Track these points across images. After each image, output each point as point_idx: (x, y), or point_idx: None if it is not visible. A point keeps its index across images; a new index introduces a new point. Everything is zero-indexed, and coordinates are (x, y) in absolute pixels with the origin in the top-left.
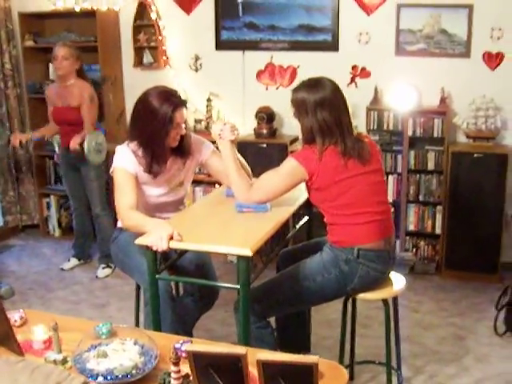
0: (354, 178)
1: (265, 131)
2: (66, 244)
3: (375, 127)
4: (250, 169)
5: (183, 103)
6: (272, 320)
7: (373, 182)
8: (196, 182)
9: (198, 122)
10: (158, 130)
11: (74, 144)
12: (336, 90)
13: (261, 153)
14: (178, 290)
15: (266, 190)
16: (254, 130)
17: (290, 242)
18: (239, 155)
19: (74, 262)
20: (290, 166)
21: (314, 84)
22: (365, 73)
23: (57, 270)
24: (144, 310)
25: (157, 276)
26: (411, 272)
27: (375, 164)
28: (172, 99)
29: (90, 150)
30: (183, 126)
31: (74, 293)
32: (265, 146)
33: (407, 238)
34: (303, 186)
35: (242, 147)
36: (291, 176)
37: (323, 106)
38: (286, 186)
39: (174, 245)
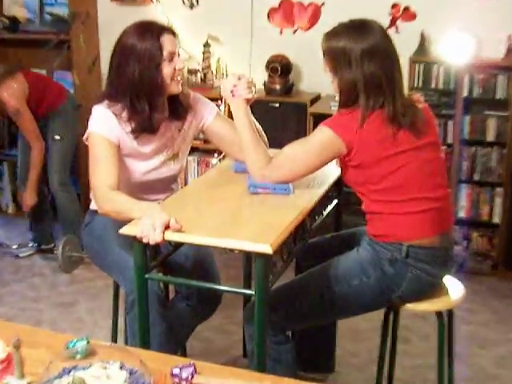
0: (406, 153)
1: (278, 87)
2: (23, 225)
3: (420, 84)
4: (266, 138)
5: (169, 29)
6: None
7: (428, 158)
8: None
9: (192, 73)
10: (147, 69)
11: (27, 204)
12: (386, 36)
13: (272, 115)
14: (168, 291)
15: (289, 168)
16: (264, 84)
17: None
18: (255, 120)
19: (32, 247)
20: (323, 137)
21: (358, 27)
22: (408, 14)
23: (11, 257)
24: (125, 317)
25: (146, 275)
26: (460, 271)
27: (432, 136)
28: (152, 27)
29: (64, 259)
30: (177, 57)
31: (32, 287)
32: (277, 105)
33: (456, 227)
34: (333, 163)
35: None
36: (324, 150)
37: (372, 57)
38: (316, 164)
39: (171, 236)
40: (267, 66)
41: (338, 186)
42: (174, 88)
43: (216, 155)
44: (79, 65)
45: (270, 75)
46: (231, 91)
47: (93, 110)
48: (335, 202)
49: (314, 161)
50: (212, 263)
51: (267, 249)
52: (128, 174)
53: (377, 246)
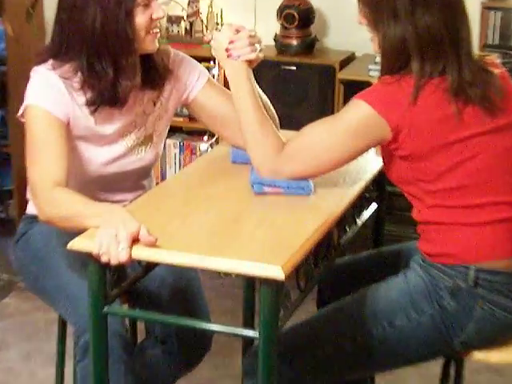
0: (476, 139)
1: (295, 42)
2: None
3: (495, 41)
4: (276, 115)
5: None
6: None
7: (508, 146)
8: (169, 130)
9: (173, 21)
10: (113, 15)
11: None
12: None
13: (286, 82)
14: (136, 331)
15: (309, 158)
16: (276, 40)
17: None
18: (260, 90)
19: None
20: (359, 117)
21: None
22: None
23: None
24: (74, 366)
25: (105, 308)
26: None
27: None
28: None
29: None
30: (158, 4)
31: None
32: (293, 68)
33: None
34: (371, 152)
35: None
36: (359, 134)
37: (428, 4)
38: (348, 153)
39: (141, 253)
40: (279, 13)
41: (380, 184)
42: (149, 45)
43: (206, 138)
44: (13, 9)
45: (283, 26)
46: (226, 49)
47: (31, 73)
48: (374, 206)
49: (346, 149)
50: (199, 292)
51: (277, 272)
52: (81, 165)
53: (433, 270)
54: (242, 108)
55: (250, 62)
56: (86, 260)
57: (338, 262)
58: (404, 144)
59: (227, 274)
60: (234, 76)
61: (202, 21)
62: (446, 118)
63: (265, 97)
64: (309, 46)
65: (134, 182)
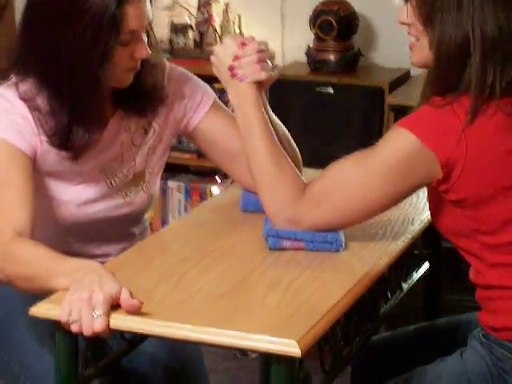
0: None
1: (332, 57)
2: None
3: None
4: (297, 149)
5: None
6: None
7: None
8: (170, 169)
9: (179, 31)
10: (88, 46)
11: None
12: None
13: (322, 107)
14: None
15: (339, 202)
16: (309, 53)
17: (383, 323)
18: (276, 118)
19: None
20: (402, 149)
21: None
22: None
23: None
24: None
25: None
26: None
27: None
28: None
29: None
30: (145, 38)
31: None
32: (331, 91)
33: None
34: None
35: (277, 93)
36: (403, 171)
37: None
38: (389, 195)
39: (121, 323)
40: (313, 21)
41: (434, 238)
42: (123, 81)
43: (219, 180)
44: None
45: (318, 36)
46: (230, 68)
47: None
48: (427, 266)
49: (384, 191)
50: (201, 376)
51: (292, 348)
52: (52, 209)
53: (497, 349)
54: (251, 141)
55: (260, 83)
56: (54, 330)
57: (377, 337)
58: (457, 184)
59: (244, 354)
60: (240, 101)
61: (215, 30)
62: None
63: (282, 127)
64: (351, 62)
65: (120, 230)
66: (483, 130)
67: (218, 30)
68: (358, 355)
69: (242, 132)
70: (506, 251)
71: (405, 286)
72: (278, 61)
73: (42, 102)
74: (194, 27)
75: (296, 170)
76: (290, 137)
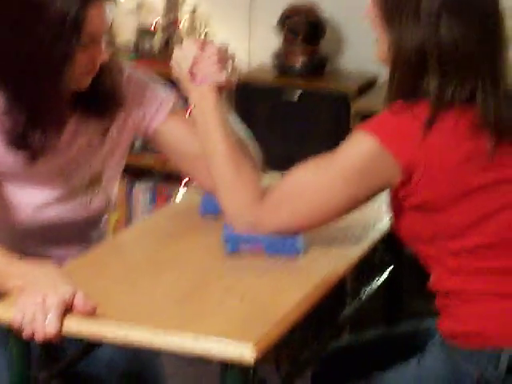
0: (509, 185)
1: (300, 62)
2: None
3: None
4: (258, 153)
5: None
6: None
7: None
8: (135, 172)
9: (145, 34)
10: (48, 47)
11: None
12: None
13: (288, 113)
14: None
15: (299, 206)
16: (276, 57)
17: (344, 329)
18: (237, 122)
19: None
20: (362, 153)
21: None
22: None
23: None
24: None
25: None
26: None
27: None
28: None
29: None
30: (103, 41)
31: None
32: (296, 97)
33: None
34: (383, 200)
35: (242, 97)
36: (363, 175)
37: (461, 13)
38: (349, 199)
39: (75, 326)
40: (281, 24)
41: (396, 244)
42: (81, 83)
43: (184, 183)
44: None
45: (285, 40)
46: (189, 70)
47: None
48: (387, 271)
49: (344, 194)
50: (159, 380)
51: (247, 352)
52: (6, 211)
53: (455, 355)
54: (210, 145)
55: (220, 86)
56: (6, 334)
57: (338, 343)
58: (417, 189)
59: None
60: (200, 104)
61: (180, 32)
62: (473, 156)
63: (243, 131)
64: (317, 66)
65: (78, 233)
66: (442, 136)
67: (184, 32)
68: (318, 361)
69: (202, 135)
70: (465, 257)
71: (364, 291)
72: (245, 65)
73: (0, 98)
74: (160, 29)
75: (256, 173)
76: (252, 141)
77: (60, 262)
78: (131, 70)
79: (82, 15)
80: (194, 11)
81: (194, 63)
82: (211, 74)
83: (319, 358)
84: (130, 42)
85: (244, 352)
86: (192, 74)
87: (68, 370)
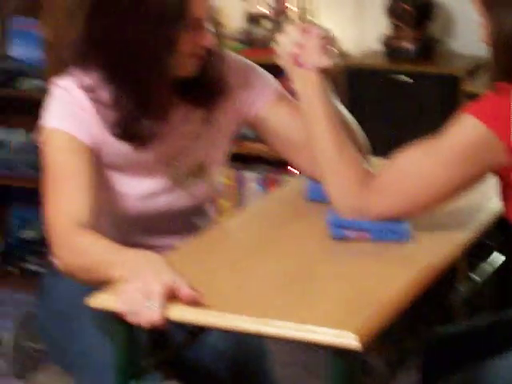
0: None
1: (409, 46)
2: None
3: None
4: (364, 137)
5: None
6: None
7: None
8: (245, 160)
9: (255, 21)
10: (152, 32)
11: None
12: None
13: (398, 95)
14: None
15: (405, 191)
16: (385, 42)
17: (456, 315)
18: (342, 107)
19: None
20: (467, 136)
21: None
22: None
23: None
24: None
25: (134, 383)
26: None
27: None
28: None
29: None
30: (207, 26)
31: None
32: (408, 79)
33: None
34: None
35: (353, 82)
36: (469, 158)
37: None
38: (456, 183)
39: (179, 314)
40: (389, 9)
41: (507, 228)
42: (188, 70)
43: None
44: (52, 6)
45: (394, 24)
46: (293, 55)
47: (50, 86)
48: (500, 257)
49: (451, 178)
50: (266, 368)
51: (351, 341)
52: (114, 201)
53: None
54: (315, 130)
55: (324, 70)
56: (111, 321)
57: (449, 329)
58: None
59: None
60: (304, 90)
61: (289, 19)
62: None
63: (348, 115)
64: (427, 49)
65: (183, 222)
66: None
67: (294, 19)
68: (428, 347)
69: (306, 118)
70: None
71: (475, 277)
72: (355, 49)
73: (105, 93)
74: (269, 15)
75: (361, 158)
76: (357, 125)
77: (165, 251)
78: (233, 56)
79: None
80: None
81: (298, 48)
82: (315, 59)
83: (428, 343)
84: (238, 30)
85: (347, 341)
86: (296, 58)
87: (175, 357)
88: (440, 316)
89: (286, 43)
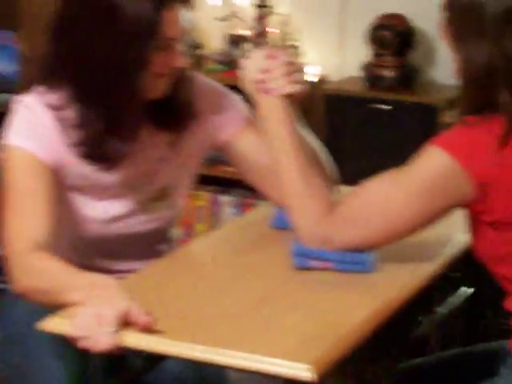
0: None
1: (389, 74)
2: None
3: None
4: (331, 165)
5: None
6: None
7: None
8: (221, 184)
9: (236, 43)
10: (123, 52)
11: None
12: None
13: (377, 124)
14: None
15: (371, 222)
16: (365, 68)
17: (419, 348)
18: (309, 133)
19: None
20: (434, 167)
21: None
22: None
23: None
24: None
25: None
26: None
27: None
28: None
29: None
30: (181, 48)
31: None
32: (387, 107)
33: None
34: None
35: (332, 108)
36: (436, 190)
37: None
38: (422, 215)
39: (130, 340)
40: (371, 36)
41: (474, 263)
42: (157, 91)
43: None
44: (29, 19)
45: (375, 52)
46: (257, 82)
47: (15, 103)
48: (468, 291)
49: (417, 210)
50: None
51: (304, 372)
52: (75, 224)
53: None
54: (280, 158)
55: (289, 96)
56: (64, 346)
57: (413, 363)
58: (491, 206)
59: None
60: (269, 115)
61: (271, 43)
62: None
63: (315, 142)
64: (408, 78)
65: (145, 246)
66: None
67: (276, 43)
68: (392, 380)
69: (271, 146)
70: None
71: (441, 310)
72: (336, 75)
73: (72, 112)
74: (251, 38)
75: (326, 187)
76: (323, 152)
77: (126, 275)
78: (204, 81)
79: (156, 18)
80: (284, 22)
81: (263, 73)
82: (279, 85)
83: (395, 376)
84: (218, 51)
85: (300, 373)
86: (260, 84)
87: (133, 382)
88: (405, 349)
89: (250, 69)
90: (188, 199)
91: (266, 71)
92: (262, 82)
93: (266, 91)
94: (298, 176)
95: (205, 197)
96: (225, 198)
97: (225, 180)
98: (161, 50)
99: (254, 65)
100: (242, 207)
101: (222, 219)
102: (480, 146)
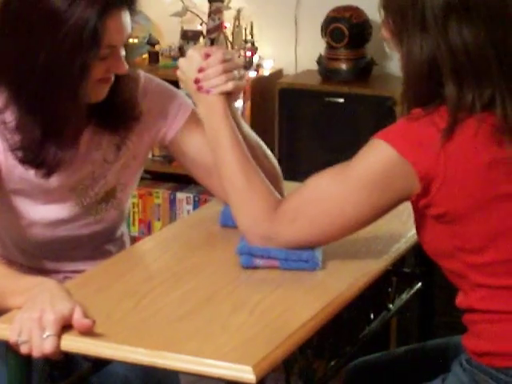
0: None
1: (344, 66)
2: None
3: None
4: (275, 162)
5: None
6: None
7: None
8: (179, 181)
9: (190, 38)
10: (66, 59)
11: None
12: None
13: (332, 118)
14: None
15: (315, 217)
16: (320, 61)
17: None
18: (250, 130)
19: None
20: (378, 161)
21: None
22: None
23: None
24: None
25: None
26: None
27: None
28: None
29: None
30: (122, 53)
31: None
32: (342, 100)
33: None
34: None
35: (286, 102)
36: (380, 184)
37: (469, 15)
38: (367, 210)
39: (71, 344)
40: (325, 28)
41: (423, 258)
42: (97, 95)
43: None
44: None
45: (329, 45)
46: (195, 81)
47: None
48: (418, 285)
49: (362, 205)
50: None
51: (245, 374)
52: (20, 227)
53: (479, 375)
54: (220, 155)
55: (228, 94)
56: (5, 351)
57: (364, 359)
58: (437, 198)
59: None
60: (208, 114)
61: (226, 37)
62: (494, 165)
63: (256, 139)
64: (363, 71)
65: (93, 248)
66: (463, 143)
67: (230, 37)
68: (344, 376)
69: (211, 145)
70: (489, 272)
71: (391, 306)
72: (291, 69)
73: (10, 115)
74: (205, 34)
75: (269, 184)
76: (266, 148)
77: (75, 276)
78: (148, 79)
79: (100, 27)
80: (237, 16)
81: (200, 72)
82: (217, 83)
83: (345, 373)
84: (174, 47)
85: (241, 374)
86: (198, 83)
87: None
88: (357, 346)
89: (188, 68)
90: (145, 197)
91: (202, 70)
92: (199, 81)
93: (204, 90)
94: (241, 175)
95: (162, 194)
96: (182, 195)
97: (182, 177)
98: (104, 57)
99: (190, 64)
100: (199, 204)
101: (180, 216)
102: (424, 139)
